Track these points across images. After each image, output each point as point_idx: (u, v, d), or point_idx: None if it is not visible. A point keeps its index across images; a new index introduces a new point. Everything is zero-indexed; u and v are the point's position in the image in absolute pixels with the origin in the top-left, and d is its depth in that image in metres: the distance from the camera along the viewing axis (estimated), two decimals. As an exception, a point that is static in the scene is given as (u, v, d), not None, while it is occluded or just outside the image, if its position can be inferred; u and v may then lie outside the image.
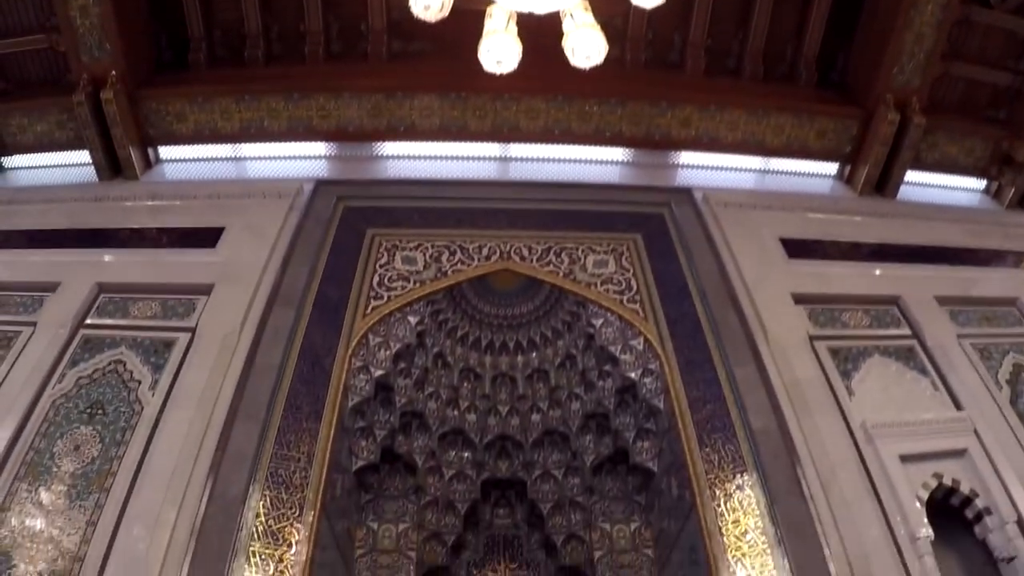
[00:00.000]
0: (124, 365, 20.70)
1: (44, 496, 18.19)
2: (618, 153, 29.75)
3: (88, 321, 21.95)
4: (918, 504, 18.77)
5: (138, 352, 21.00)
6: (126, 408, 19.72)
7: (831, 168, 30.05)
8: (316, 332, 21.77)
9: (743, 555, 18.13)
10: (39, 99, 28.27)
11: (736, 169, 29.72)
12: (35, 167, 28.42)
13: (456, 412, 25.81)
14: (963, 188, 30.15)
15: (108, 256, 23.86)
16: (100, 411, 19.72)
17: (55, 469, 18.62)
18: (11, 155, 28.84)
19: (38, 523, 17.71)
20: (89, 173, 27.46)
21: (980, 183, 30.21)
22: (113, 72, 26.83)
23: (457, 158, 29.15)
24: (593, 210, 26.76)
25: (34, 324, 21.76)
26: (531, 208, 26.57)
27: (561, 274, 24.68)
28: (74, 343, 21.30)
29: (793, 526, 17.94)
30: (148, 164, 28.42)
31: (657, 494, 23.97)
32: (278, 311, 21.84)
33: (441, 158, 29.10)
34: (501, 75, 16.26)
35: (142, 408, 19.65)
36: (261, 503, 17.89)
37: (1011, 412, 20.93)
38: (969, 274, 25.08)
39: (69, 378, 20.44)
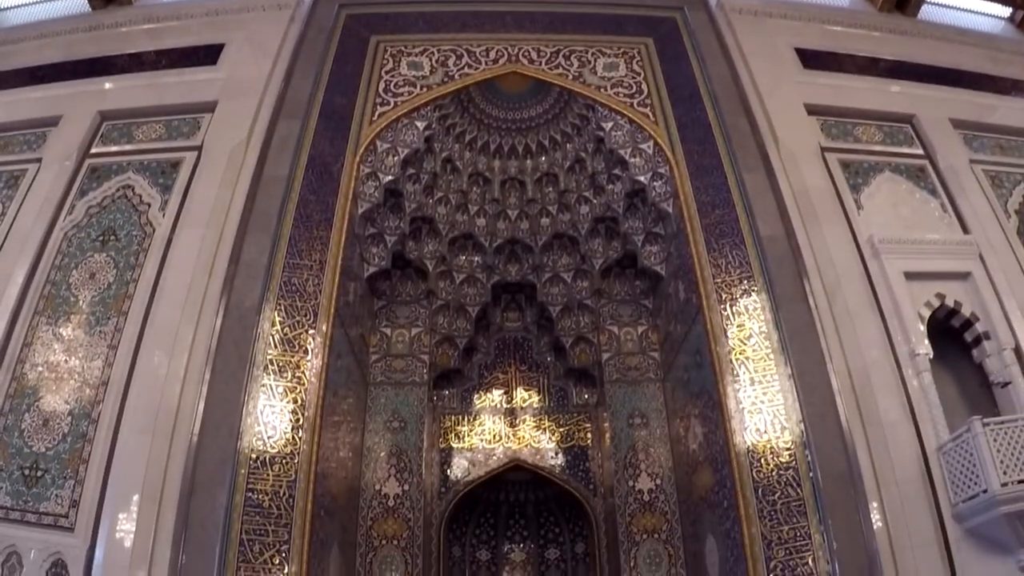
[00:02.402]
0: (132, 189, 20.79)
1: (64, 328, 18.51)
2: (630, -47, 28.58)
3: (93, 150, 21.91)
4: (919, 322, 18.88)
5: (145, 175, 21.07)
6: (138, 231, 19.92)
7: (851, -19, 28.90)
8: (323, 141, 21.71)
9: (747, 359, 18.39)
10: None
11: (752, -24, 28.55)
12: (26, 3, 27.26)
13: (466, 217, 25.91)
14: (987, 14, 29.03)
15: (108, 84, 23.56)
16: (113, 237, 19.92)
17: (72, 299, 18.93)
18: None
19: (60, 356, 18.07)
20: (81, 3, 26.55)
21: (1006, 10, 29.03)
22: None
23: (460, -41, 28.17)
24: (603, 13, 26.20)
25: (39, 160, 21.76)
26: (538, 11, 26.03)
27: (570, 77, 24.35)
28: (81, 173, 21.34)
29: (796, 333, 18.22)
30: (141, -12, 27.45)
31: (664, 298, 24.31)
32: (284, 123, 21.79)
33: (443, -41, 28.10)
34: None
35: (154, 230, 19.85)
36: (276, 312, 18.22)
37: (1018, 242, 20.83)
38: (987, 100, 24.57)
39: (79, 208, 20.60)
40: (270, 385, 17.24)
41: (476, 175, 25.97)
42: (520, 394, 25.81)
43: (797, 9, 26.72)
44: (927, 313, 19.20)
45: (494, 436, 24.95)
